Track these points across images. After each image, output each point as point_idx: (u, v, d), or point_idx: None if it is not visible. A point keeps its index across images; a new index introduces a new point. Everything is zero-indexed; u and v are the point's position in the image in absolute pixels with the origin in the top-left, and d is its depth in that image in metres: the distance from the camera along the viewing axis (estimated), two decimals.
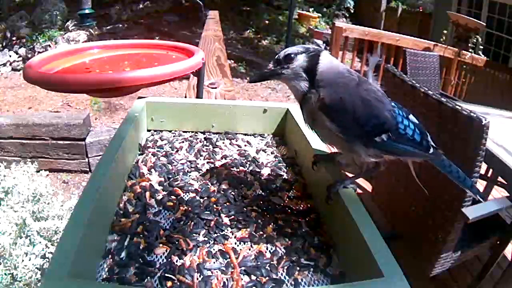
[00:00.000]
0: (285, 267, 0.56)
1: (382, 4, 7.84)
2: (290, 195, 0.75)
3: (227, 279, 0.53)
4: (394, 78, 1.53)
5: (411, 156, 0.66)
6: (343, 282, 0.53)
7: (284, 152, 0.92)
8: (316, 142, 0.76)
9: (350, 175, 0.66)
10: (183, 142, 0.92)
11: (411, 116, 0.64)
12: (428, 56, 2.94)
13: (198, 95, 1.34)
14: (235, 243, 0.60)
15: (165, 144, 0.90)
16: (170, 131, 0.97)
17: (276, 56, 0.64)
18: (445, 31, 4.48)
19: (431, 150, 0.64)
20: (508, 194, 1.63)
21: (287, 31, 6.74)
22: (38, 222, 1.60)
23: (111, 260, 0.55)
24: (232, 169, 0.81)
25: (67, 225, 0.48)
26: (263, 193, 0.74)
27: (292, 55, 0.62)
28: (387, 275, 0.45)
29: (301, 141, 0.81)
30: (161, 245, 0.58)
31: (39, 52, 4.81)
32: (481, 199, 0.71)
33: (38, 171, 1.96)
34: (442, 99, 1.28)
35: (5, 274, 1.42)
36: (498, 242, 1.55)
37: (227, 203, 0.69)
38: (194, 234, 0.61)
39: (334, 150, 0.69)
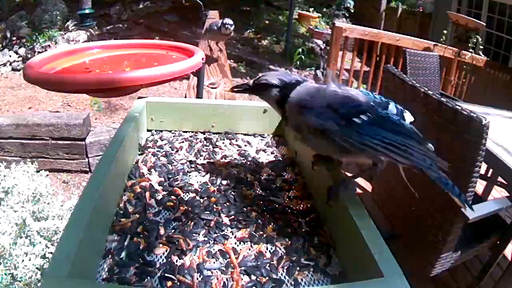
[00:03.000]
0: (285, 267, 0.56)
1: (382, 4, 7.82)
2: (290, 195, 0.75)
3: (227, 279, 0.53)
4: (394, 78, 1.53)
5: (404, 153, 0.61)
6: (343, 282, 0.53)
7: (284, 152, 0.92)
8: None
9: (350, 175, 0.66)
10: (183, 142, 0.92)
11: (390, 106, 0.65)
12: (428, 56, 2.93)
13: (198, 95, 1.34)
14: (235, 243, 0.60)
15: (165, 144, 0.90)
16: (170, 131, 0.97)
17: (255, 78, 0.72)
18: (445, 31, 4.47)
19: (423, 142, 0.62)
20: (508, 194, 1.63)
21: (287, 31, 6.74)
22: (38, 222, 1.60)
23: (111, 260, 0.55)
24: (232, 169, 0.82)
25: (67, 225, 0.48)
26: (263, 193, 0.74)
27: (266, 85, 0.68)
28: (387, 275, 0.45)
29: None
30: (161, 245, 0.58)
31: (39, 52, 4.81)
32: (469, 208, 0.73)
33: (38, 171, 1.95)
34: (442, 99, 1.28)
35: (5, 274, 1.41)
36: (498, 242, 1.55)
37: (227, 203, 0.69)
38: (194, 234, 0.61)
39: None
